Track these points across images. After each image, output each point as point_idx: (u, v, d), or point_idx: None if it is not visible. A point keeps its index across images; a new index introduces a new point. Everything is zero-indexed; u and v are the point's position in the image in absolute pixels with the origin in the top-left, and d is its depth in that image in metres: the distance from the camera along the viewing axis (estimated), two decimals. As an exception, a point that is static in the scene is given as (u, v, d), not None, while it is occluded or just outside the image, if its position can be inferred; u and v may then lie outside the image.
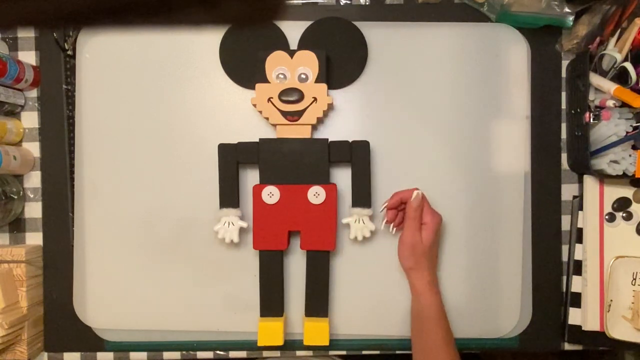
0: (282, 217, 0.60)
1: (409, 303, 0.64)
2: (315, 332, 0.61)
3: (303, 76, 0.60)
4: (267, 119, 0.60)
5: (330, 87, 0.61)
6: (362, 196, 0.60)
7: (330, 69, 0.62)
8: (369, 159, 0.60)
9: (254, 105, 0.60)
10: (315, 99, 0.59)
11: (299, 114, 0.59)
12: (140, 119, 0.65)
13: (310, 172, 0.59)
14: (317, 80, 0.60)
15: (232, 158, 0.60)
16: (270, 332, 0.61)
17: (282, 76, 0.60)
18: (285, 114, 0.59)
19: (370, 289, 0.65)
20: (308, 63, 0.60)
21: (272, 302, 0.62)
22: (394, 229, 0.62)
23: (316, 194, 0.59)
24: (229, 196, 0.61)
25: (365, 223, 0.61)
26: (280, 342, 0.60)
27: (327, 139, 0.60)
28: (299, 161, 0.59)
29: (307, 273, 0.62)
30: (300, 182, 0.59)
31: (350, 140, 0.60)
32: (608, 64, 0.61)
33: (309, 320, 0.61)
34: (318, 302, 0.62)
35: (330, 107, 0.62)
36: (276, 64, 0.60)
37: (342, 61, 0.63)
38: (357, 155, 0.60)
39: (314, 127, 0.63)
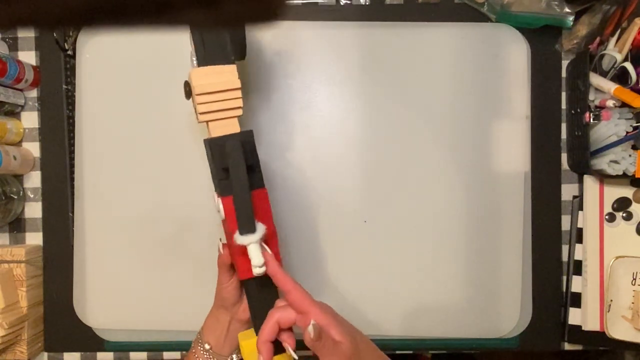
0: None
1: (409, 302, 0.64)
2: None
3: (194, 60, 0.46)
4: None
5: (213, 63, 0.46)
6: (240, 218, 0.44)
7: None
8: (237, 162, 0.44)
9: None
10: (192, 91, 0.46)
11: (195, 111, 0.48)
12: (141, 119, 0.65)
13: (215, 179, 0.48)
14: (199, 62, 0.46)
15: None
16: (240, 348, 0.51)
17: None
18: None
19: (370, 288, 0.65)
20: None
21: (252, 317, 0.52)
22: (291, 352, 0.46)
23: (218, 208, 0.46)
24: None
25: (251, 255, 0.44)
26: None
27: (208, 140, 0.46)
28: (210, 166, 0.48)
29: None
30: (216, 191, 0.48)
31: (225, 140, 0.46)
32: (608, 64, 0.61)
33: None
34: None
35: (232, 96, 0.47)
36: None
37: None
38: (226, 157, 0.44)
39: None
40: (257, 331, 0.51)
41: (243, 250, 0.45)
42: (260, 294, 0.50)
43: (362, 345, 0.45)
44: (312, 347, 0.43)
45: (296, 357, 0.46)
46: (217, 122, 0.47)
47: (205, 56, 0.45)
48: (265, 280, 0.48)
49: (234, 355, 0.55)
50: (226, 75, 0.46)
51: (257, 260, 0.44)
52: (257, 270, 0.44)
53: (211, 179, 0.50)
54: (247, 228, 0.44)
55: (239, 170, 0.43)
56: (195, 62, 0.46)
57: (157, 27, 0.16)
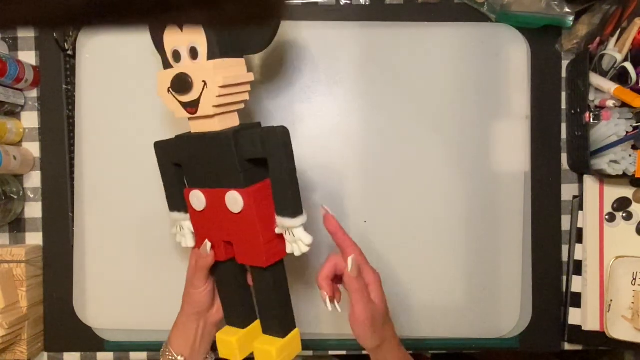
0: (213, 226, 0.50)
1: (409, 303, 0.64)
2: (263, 358, 0.50)
3: (193, 53, 0.46)
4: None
5: (232, 55, 0.46)
6: (285, 202, 0.45)
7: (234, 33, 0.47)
8: (289, 151, 0.44)
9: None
10: (205, 83, 0.45)
11: (195, 104, 0.46)
12: (140, 119, 0.65)
13: (222, 173, 0.47)
14: (210, 56, 0.45)
15: (167, 157, 0.52)
16: (226, 347, 0.52)
17: (177, 57, 0.47)
18: (184, 105, 0.47)
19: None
20: (196, 33, 0.44)
21: (231, 314, 0.55)
22: (335, 304, 0.50)
23: (233, 201, 0.46)
24: (174, 199, 0.53)
25: (295, 236, 0.46)
26: (238, 359, 0.52)
27: (231, 131, 0.46)
28: (210, 160, 0.48)
29: (254, 288, 0.52)
30: (217, 186, 0.48)
31: (261, 129, 0.47)
32: (608, 64, 0.61)
33: (260, 343, 0.51)
34: (270, 321, 0.51)
35: (240, 88, 0.47)
36: (171, 42, 0.47)
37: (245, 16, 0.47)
38: (270, 148, 0.44)
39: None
40: (236, 325, 0.53)
41: (274, 236, 0.47)
42: (240, 283, 0.53)
43: (388, 326, 0.50)
44: (349, 285, 0.47)
45: (340, 310, 0.49)
46: (224, 115, 0.47)
47: (218, 49, 0.44)
48: (240, 270, 0.52)
49: (208, 357, 0.56)
50: (238, 68, 0.46)
51: (309, 239, 0.46)
52: (305, 249, 0.46)
53: (204, 177, 0.49)
54: (300, 210, 0.46)
55: (290, 153, 0.44)
56: (185, 56, 0.46)
57: (158, 27, 0.16)
